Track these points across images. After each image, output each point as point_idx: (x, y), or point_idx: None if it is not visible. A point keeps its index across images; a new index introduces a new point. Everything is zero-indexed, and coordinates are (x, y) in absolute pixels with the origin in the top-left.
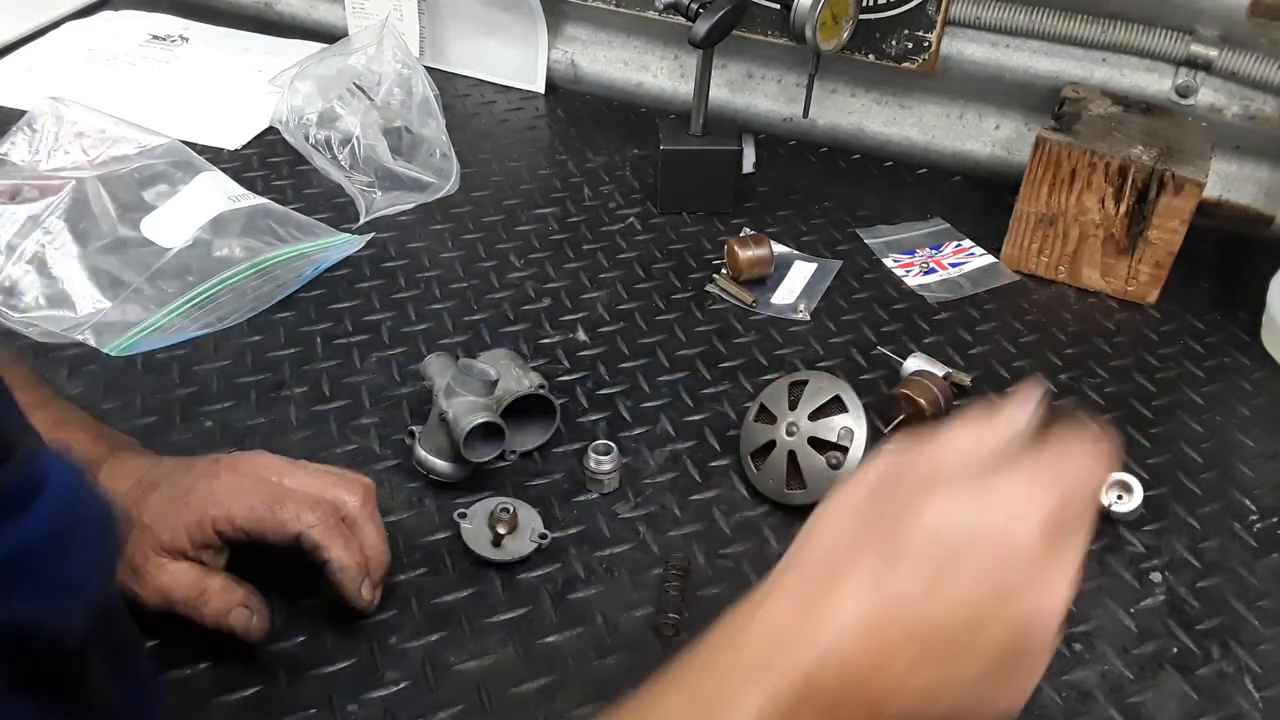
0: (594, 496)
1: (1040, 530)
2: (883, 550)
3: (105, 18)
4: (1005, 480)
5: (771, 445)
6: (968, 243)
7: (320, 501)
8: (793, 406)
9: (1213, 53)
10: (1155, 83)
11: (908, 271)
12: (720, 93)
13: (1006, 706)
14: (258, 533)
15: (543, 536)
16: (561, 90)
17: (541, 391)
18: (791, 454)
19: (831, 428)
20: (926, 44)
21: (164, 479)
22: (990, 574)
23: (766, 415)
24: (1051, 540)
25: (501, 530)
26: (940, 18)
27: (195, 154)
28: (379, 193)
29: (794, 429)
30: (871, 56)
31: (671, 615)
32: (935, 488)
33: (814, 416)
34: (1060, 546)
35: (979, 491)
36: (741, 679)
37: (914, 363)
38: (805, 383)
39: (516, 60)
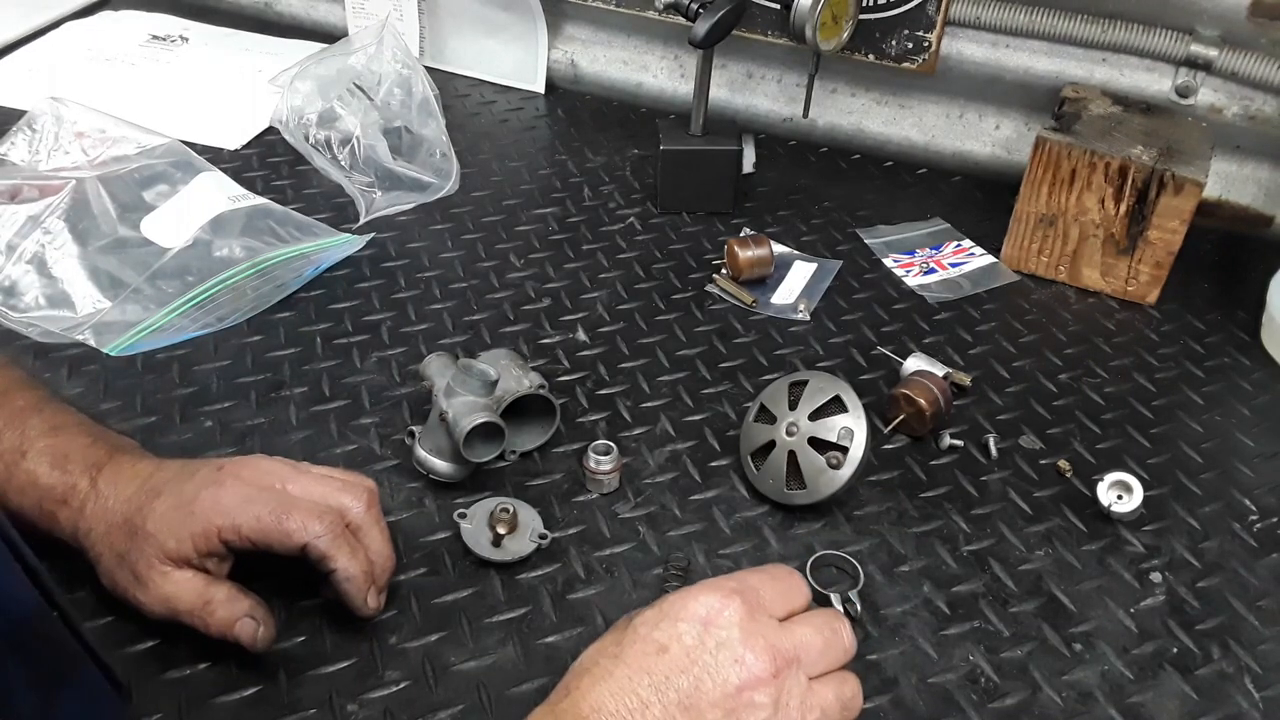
0: (594, 496)
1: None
2: (619, 644)
3: (105, 18)
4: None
5: (771, 445)
6: (968, 243)
7: (326, 510)
8: (793, 406)
9: (1213, 53)
10: (1155, 83)
11: (908, 271)
12: (720, 93)
13: None
14: (263, 542)
15: (543, 536)
16: (561, 90)
17: (541, 391)
18: (791, 454)
19: (831, 428)
20: (926, 44)
21: (167, 485)
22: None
23: (766, 415)
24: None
25: (501, 530)
26: (940, 18)
27: (195, 154)
28: (379, 193)
29: (794, 429)
30: (871, 56)
31: None
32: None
33: (814, 416)
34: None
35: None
36: None
37: (914, 363)
38: (805, 383)
39: (516, 60)
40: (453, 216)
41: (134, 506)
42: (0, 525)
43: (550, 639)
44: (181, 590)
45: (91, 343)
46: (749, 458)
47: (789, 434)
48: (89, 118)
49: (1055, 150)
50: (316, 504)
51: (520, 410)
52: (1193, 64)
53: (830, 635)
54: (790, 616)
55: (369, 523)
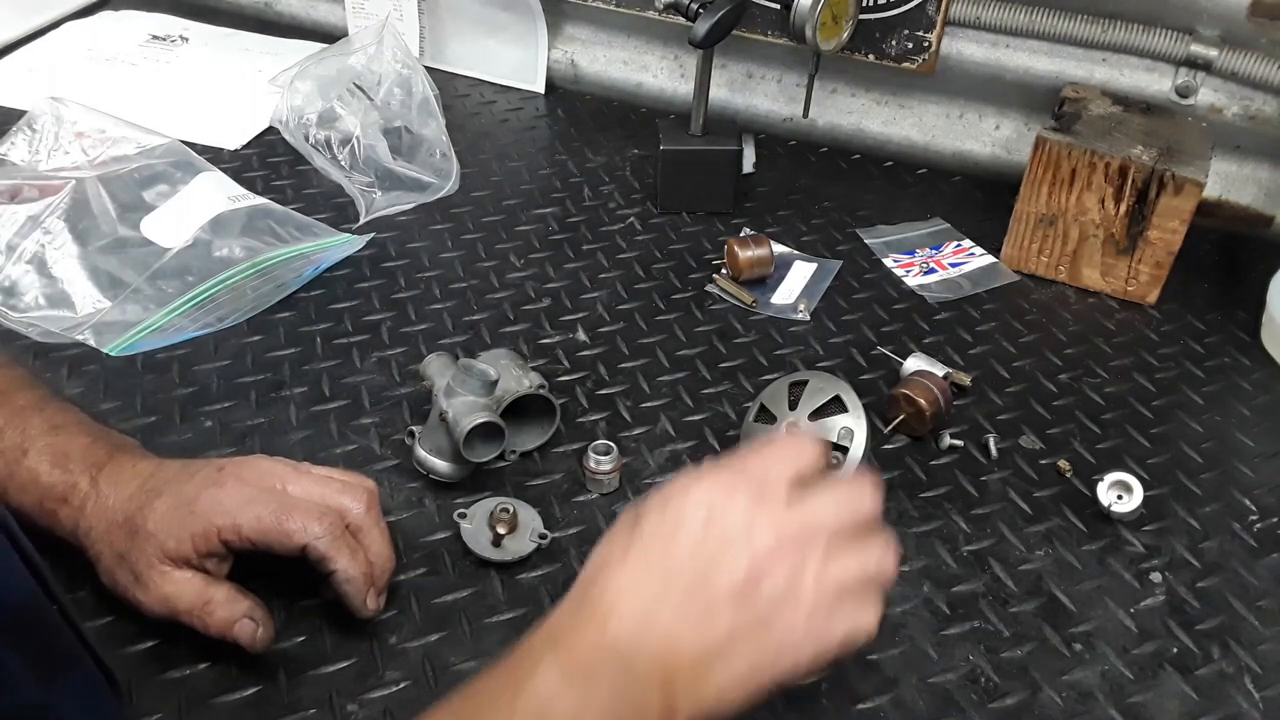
0: (594, 496)
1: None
2: (628, 539)
3: (105, 18)
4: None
5: None
6: (968, 243)
7: (326, 511)
8: (793, 406)
9: (1213, 53)
10: (1155, 83)
11: (908, 271)
12: (720, 93)
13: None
14: (264, 543)
15: (543, 536)
16: (561, 90)
17: (541, 391)
18: None
19: (831, 428)
20: (926, 44)
21: (168, 485)
22: (704, 544)
23: (766, 415)
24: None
25: (501, 530)
26: (940, 18)
27: (195, 154)
28: (379, 193)
29: (794, 429)
30: (871, 56)
31: None
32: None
33: (814, 416)
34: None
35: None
36: (540, 653)
37: (914, 363)
38: (805, 383)
39: (516, 60)
40: (453, 216)
41: (134, 506)
42: (0, 516)
43: None
44: (181, 590)
45: (91, 343)
46: None
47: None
48: (89, 118)
49: (1055, 150)
50: (317, 505)
51: (520, 410)
52: (1193, 64)
53: (846, 501)
54: (803, 485)
55: (369, 524)
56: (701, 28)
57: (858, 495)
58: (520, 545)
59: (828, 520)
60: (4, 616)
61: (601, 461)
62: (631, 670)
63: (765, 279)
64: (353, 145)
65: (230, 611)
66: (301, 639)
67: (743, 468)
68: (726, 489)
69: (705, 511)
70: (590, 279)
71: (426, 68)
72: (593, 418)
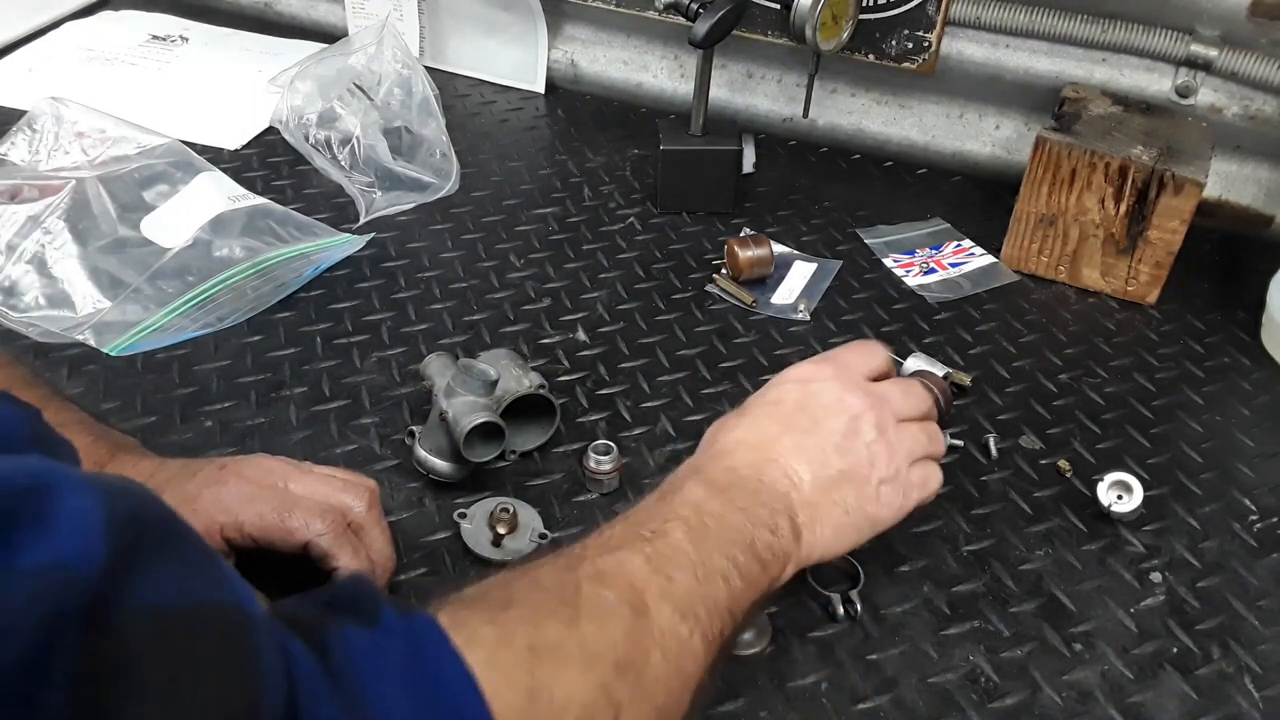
0: (594, 496)
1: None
2: (739, 412)
3: (105, 18)
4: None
5: None
6: (968, 243)
7: (328, 509)
8: None
9: (1213, 53)
10: (1155, 83)
11: (908, 271)
12: (720, 93)
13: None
14: (266, 540)
15: (543, 536)
16: (561, 90)
17: (541, 391)
18: None
19: None
20: (926, 44)
21: (169, 484)
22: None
23: None
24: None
25: (501, 530)
26: (940, 18)
27: (195, 154)
28: (379, 193)
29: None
30: (871, 56)
31: None
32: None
33: None
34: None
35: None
36: (683, 478)
37: (914, 363)
38: None
39: (516, 60)
40: (453, 216)
41: None
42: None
43: None
44: None
45: (91, 343)
46: None
47: None
48: (89, 118)
49: (1055, 150)
50: (319, 503)
51: (520, 410)
52: (1193, 64)
53: (909, 388)
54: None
55: (370, 522)
56: (701, 28)
57: (918, 391)
58: (520, 545)
59: (897, 400)
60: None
61: (601, 461)
62: (761, 492)
63: (765, 279)
64: (353, 145)
65: None
66: None
67: (827, 357)
68: (816, 368)
69: (801, 386)
70: (590, 279)
71: (426, 68)
72: (593, 418)
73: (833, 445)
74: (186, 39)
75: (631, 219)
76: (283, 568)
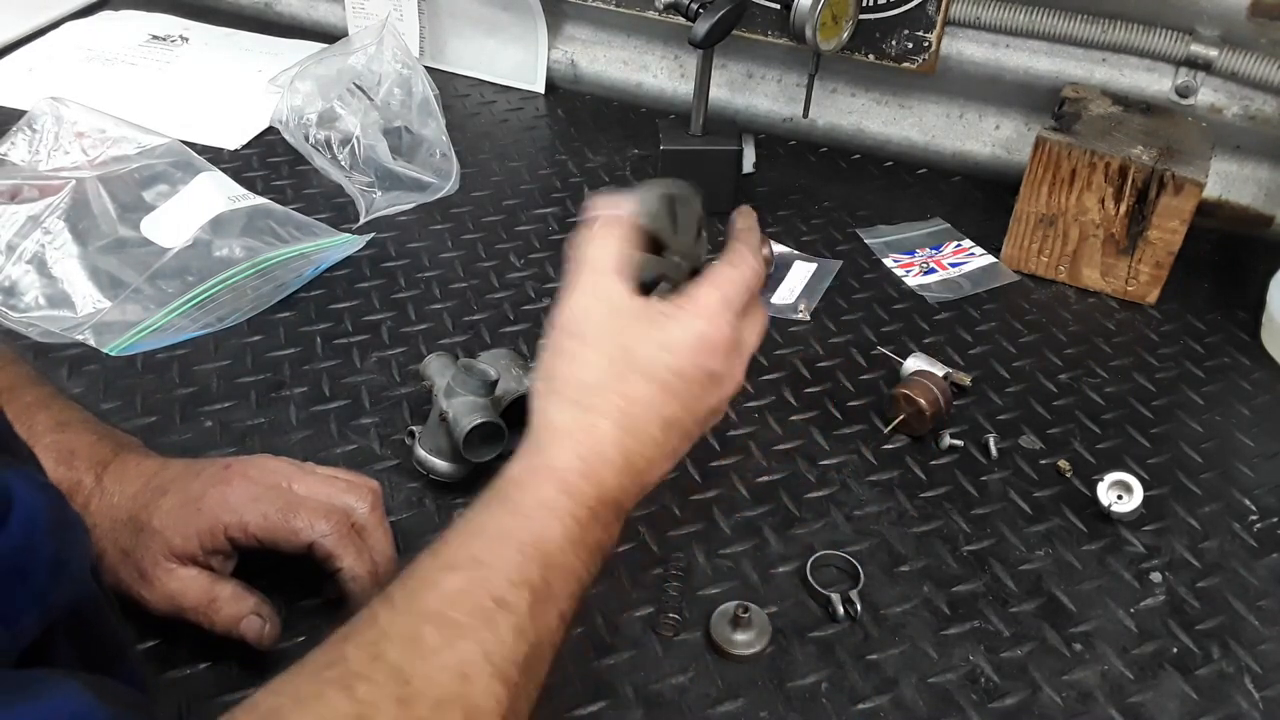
0: None
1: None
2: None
3: (105, 18)
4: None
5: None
6: (968, 243)
7: (332, 510)
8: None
9: (1213, 53)
10: (1155, 83)
11: (908, 271)
12: (720, 93)
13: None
14: (270, 541)
15: None
16: (561, 90)
17: None
18: None
19: None
20: (926, 44)
21: (173, 483)
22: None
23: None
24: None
25: None
26: (940, 18)
27: (195, 154)
28: (379, 193)
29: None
30: (871, 56)
31: (672, 615)
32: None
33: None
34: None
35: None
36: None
37: (914, 363)
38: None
39: (516, 60)
40: (453, 216)
41: (139, 503)
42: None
43: None
44: (187, 587)
45: (91, 343)
46: None
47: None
48: (89, 118)
49: (1055, 150)
50: (322, 503)
51: (520, 410)
52: (1193, 64)
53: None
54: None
55: (374, 523)
56: (701, 28)
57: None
58: None
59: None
60: (73, 609)
61: None
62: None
63: (765, 279)
64: (353, 145)
65: (236, 608)
66: (302, 639)
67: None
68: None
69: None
70: None
71: (426, 68)
72: None
73: (695, 420)
74: (186, 39)
75: None
76: (281, 570)
